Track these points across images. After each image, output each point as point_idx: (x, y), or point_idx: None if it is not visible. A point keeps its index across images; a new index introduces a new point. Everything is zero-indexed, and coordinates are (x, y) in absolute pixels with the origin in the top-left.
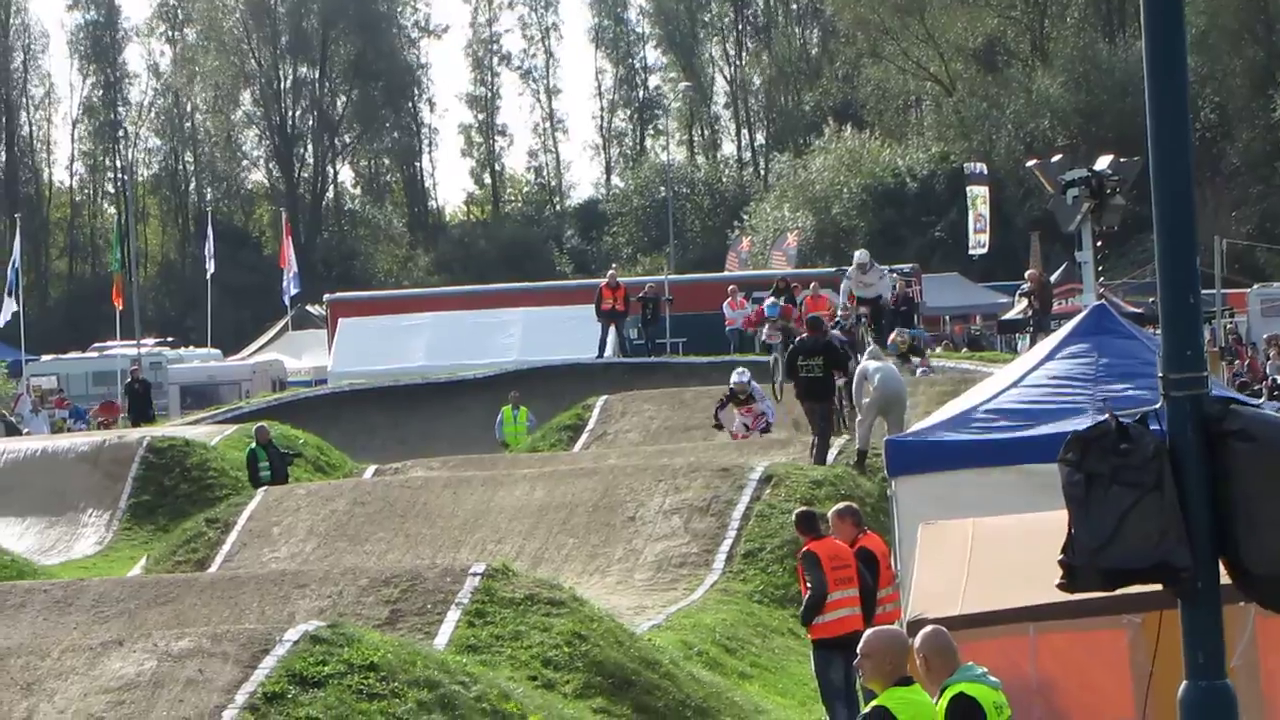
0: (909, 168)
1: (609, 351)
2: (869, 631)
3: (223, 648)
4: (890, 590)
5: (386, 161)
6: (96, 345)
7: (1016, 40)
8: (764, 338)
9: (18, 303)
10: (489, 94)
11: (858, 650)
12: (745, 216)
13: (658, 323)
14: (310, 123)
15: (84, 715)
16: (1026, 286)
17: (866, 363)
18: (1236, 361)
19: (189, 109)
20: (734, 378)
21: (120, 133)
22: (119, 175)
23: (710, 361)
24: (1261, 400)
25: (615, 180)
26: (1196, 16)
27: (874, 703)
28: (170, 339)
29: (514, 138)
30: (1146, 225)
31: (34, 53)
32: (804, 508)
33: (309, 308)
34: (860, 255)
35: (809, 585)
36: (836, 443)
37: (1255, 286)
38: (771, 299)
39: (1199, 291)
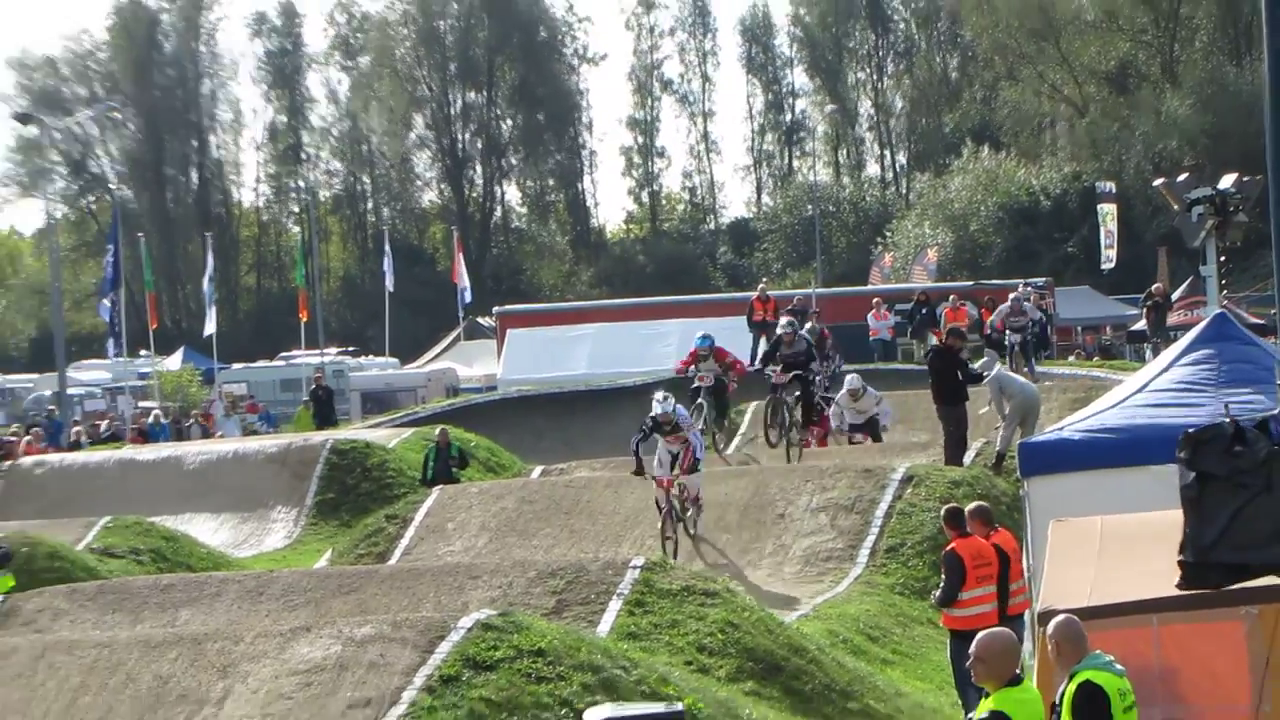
0: (1043, 187)
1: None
2: (980, 635)
3: (402, 634)
4: (1020, 584)
5: (550, 182)
6: (283, 354)
7: (1147, 63)
8: (695, 381)
9: (215, 316)
10: (648, 118)
11: (969, 652)
12: (887, 233)
13: None
14: (479, 146)
15: (275, 695)
16: (1145, 301)
17: (1004, 374)
18: None
19: (365, 133)
20: (656, 407)
21: (302, 155)
22: (302, 196)
23: (856, 369)
24: None
25: (765, 199)
26: None
27: (989, 705)
28: (351, 348)
29: (671, 159)
30: (1268, 242)
31: (222, 80)
32: (952, 505)
33: (479, 319)
34: (851, 381)
35: (945, 581)
36: (974, 445)
37: None
38: (702, 333)
39: None
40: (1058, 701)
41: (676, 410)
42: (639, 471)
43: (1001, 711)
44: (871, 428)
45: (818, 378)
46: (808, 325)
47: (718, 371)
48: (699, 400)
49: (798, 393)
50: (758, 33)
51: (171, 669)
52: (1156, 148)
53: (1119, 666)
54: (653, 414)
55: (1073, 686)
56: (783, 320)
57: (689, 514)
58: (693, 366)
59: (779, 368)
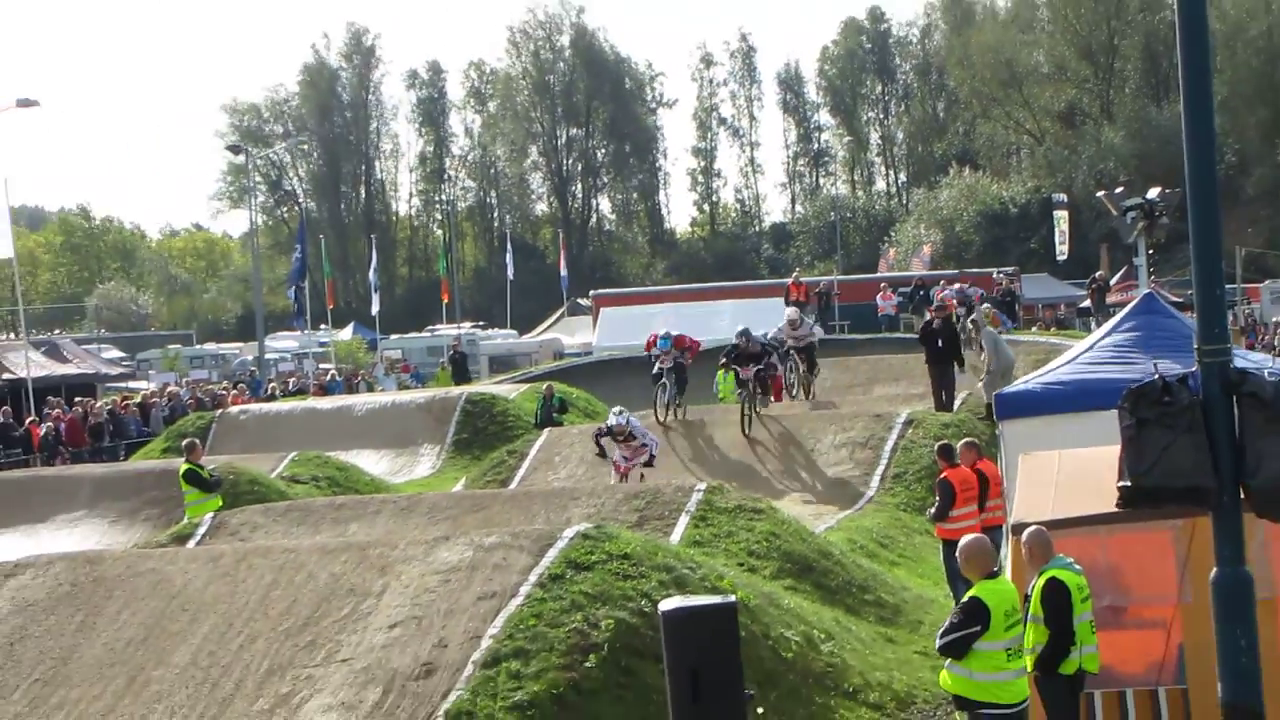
0: (1011, 197)
1: None
2: (963, 540)
3: (520, 542)
4: (998, 502)
5: (634, 195)
6: (429, 327)
7: (1089, 104)
8: (655, 364)
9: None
10: (709, 147)
11: (956, 554)
12: (892, 233)
13: (829, 310)
14: (579, 168)
15: (421, 589)
16: (1090, 284)
17: (998, 337)
18: (1254, 338)
19: (493, 159)
20: (611, 419)
21: (445, 176)
22: (444, 207)
23: (868, 338)
24: (1271, 365)
25: (798, 208)
26: (1220, 86)
27: (969, 593)
28: (481, 323)
29: (725, 178)
30: (1184, 238)
31: (385, 119)
32: (944, 442)
33: (579, 301)
34: (790, 312)
35: (938, 501)
36: (960, 395)
37: (1266, 282)
38: (664, 331)
39: (1224, 285)
40: (1029, 593)
41: (630, 423)
42: (601, 455)
43: (978, 597)
44: (809, 351)
45: (774, 358)
46: (796, 313)
47: (676, 355)
48: (661, 380)
49: (757, 371)
50: (791, 82)
51: (342, 569)
52: (1098, 167)
53: (1077, 566)
54: (608, 424)
55: (1041, 582)
56: (738, 329)
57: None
58: (653, 351)
59: (744, 365)
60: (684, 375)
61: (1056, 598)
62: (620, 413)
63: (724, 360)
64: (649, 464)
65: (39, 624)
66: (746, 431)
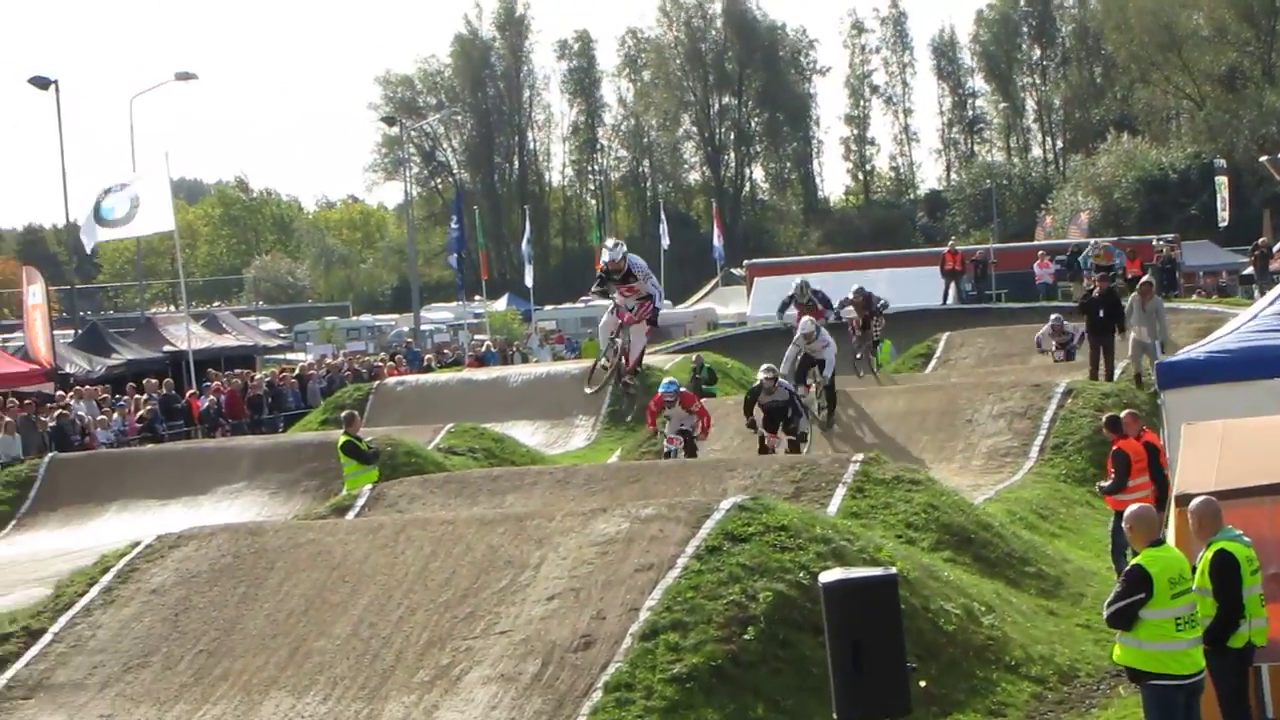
0: (1170, 163)
1: (950, 300)
2: (1129, 508)
3: (676, 514)
4: (1165, 473)
5: (787, 165)
6: (583, 298)
7: (1250, 67)
8: (664, 444)
9: (532, 270)
10: (862, 114)
11: (1123, 524)
12: (1049, 201)
13: (986, 279)
14: (731, 137)
15: (579, 561)
16: (1252, 251)
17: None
18: None
19: (645, 129)
20: (605, 254)
21: (597, 147)
22: (597, 177)
23: (1025, 307)
24: None
25: (953, 176)
26: None
27: (1134, 560)
28: None
29: (879, 145)
30: None
31: (537, 90)
32: (1112, 414)
33: (732, 270)
34: (806, 325)
35: (1114, 473)
36: (1119, 365)
37: None
38: (668, 379)
39: None
40: (1196, 565)
41: (628, 258)
42: (602, 291)
43: (1141, 565)
44: (828, 380)
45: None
46: (813, 325)
47: (685, 424)
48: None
49: (788, 428)
50: (945, 48)
51: (500, 540)
52: (1260, 132)
53: (1246, 538)
54: (602, 260)
55: (1210, 554)
56: (762, 369)
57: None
58: (661, 415)
59: (762, 418)
60: (694, 453)
61: (1225, 570)
62: (616, 245)
63: (749, 420)
64: (653, 321)
65: (202, 595)
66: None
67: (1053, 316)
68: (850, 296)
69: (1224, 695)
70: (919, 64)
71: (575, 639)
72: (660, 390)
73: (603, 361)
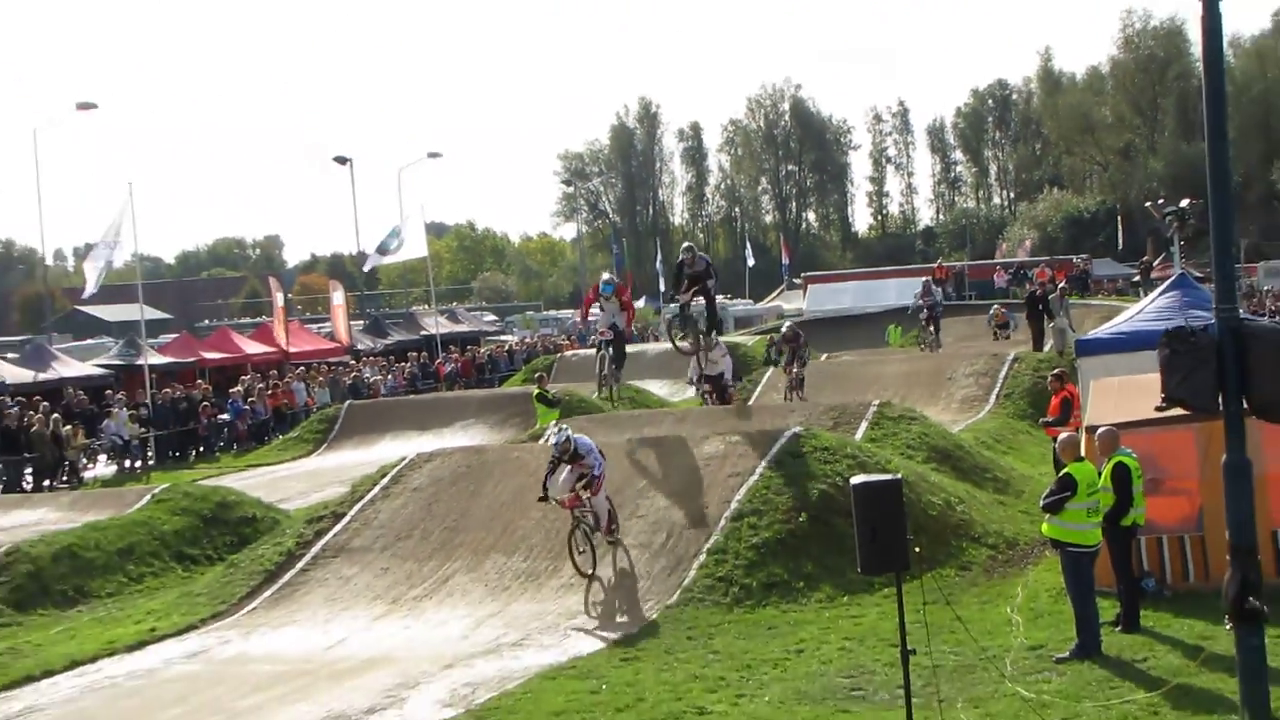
0: (1085, 208)
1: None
2: (1062, 435)
3: (755, 439)
4: (1079, 414)
5: (830, 210)
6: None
7: (1140, 143)
8: (594, 335)
9: (662, 281)
10: (880, 176)
11: (1056, 446)
12: (1004, 233)
13: (962, 285)
14: (794, 192)
15: (691, 469)
16: (1140, 265)
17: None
18: (1253, 301)
19: (737, 186)
20: (551, 438)
21: (704, 198)
22: (704, 219)
23: (988, 303)
24: (1264, 318)
25: (940, 216)
26: (1231, 128)
27: (1063, 471)
28: (729, 294)
29: (892, 197)
30: (1206, 233)
31: (665, 161)
32: (1059, 369)
33: (794, 280)
34: (787, 329)
35: (1060, 412)
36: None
37: (1261, 263)
38: (608, 277)
39: (1234, 266)
40: (1100, 472)
41: (574, 440)
42: (544, 498)
43: (1070, 473)
44: (717, 383)
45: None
46: (793, 329)
47: (615, 316)
48: (600, 352)
49: (703, 303)
50: (936, 131)
51: (640, 456)
52: (1146, 186)
53: (1134, 454)
54: (552, 444)
55: (1111, 465)
56: (683, 246)
57: (600, 533)
58: (595, 307)
59: (684, 285)
60: (623, 348)
61: (1122, 476)
62: (560, 430)
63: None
64: (588, 486)
65: (446, 492)
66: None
67: (993, 306)
68: (784, 331)
69: (1116, 557)
70: (918, 142)
71: (688, 520)
72: (599, 286)
73: (580, 548)
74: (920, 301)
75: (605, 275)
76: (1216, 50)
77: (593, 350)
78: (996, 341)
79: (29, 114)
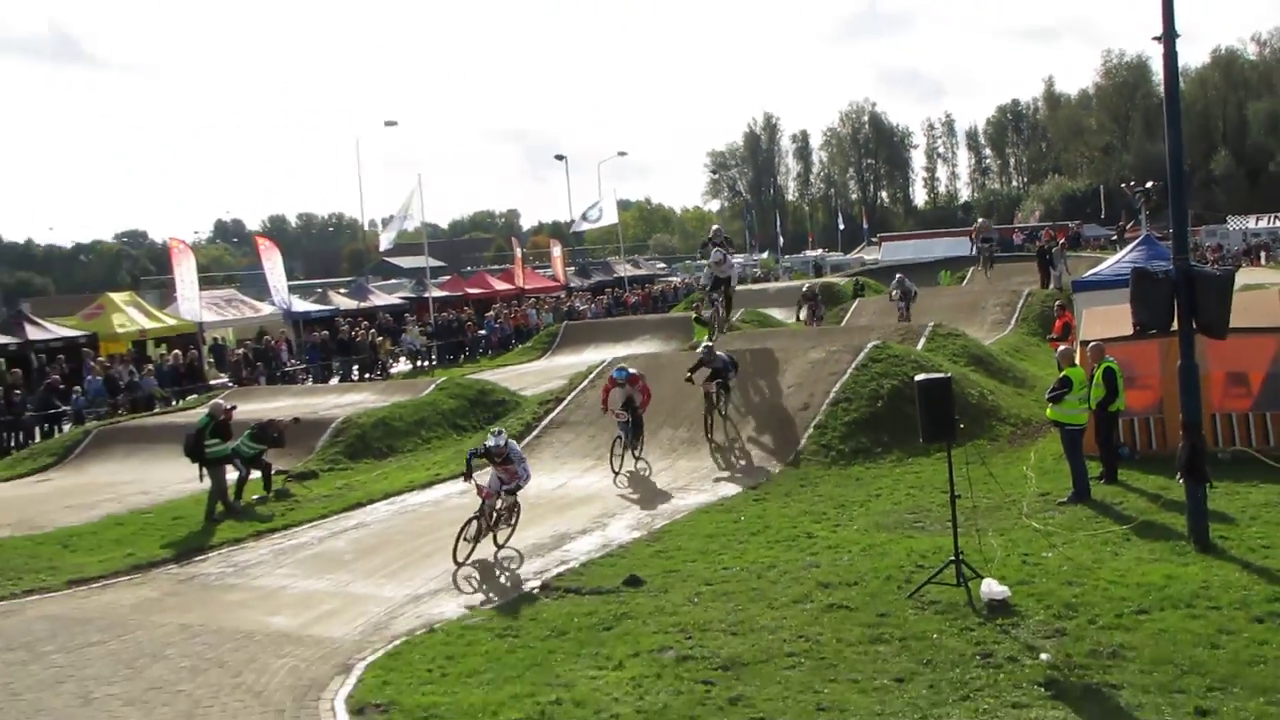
0: (1077, 188)
1: (974, 253)
2: (1061, 348)
3: (847, 349)
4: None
5: (897, 190)
6: (805, 251)
7: (1116, 142)
8: (616, 416)
9: (779, 241)
10: (932, 167)
11: (1056, 355)
12: (1020, 206)
13: (990, 243)
14: (871, 178)
15: (802, 370)
16: (1117, 229)
17: (1064, 256)
18: (1196, 254)
19: (832, 174)
20: (490, 439)
21: (808, 182)
22: (808, 197)
23: (1008, 254)
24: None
25: (974, 194)
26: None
27: (1062, 373)
28: (824, 248)
29: (941, 180)
30: (1166, 206)
31: (782, 156)
32: (1059, 301)
33: (872, 239)
34: (715, 255)
35: (1061, 332)
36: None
37: (1203, 227)
38: (621, 365)
39: (1186, 229)
40: (1092, 375)
41: (509, 445)
42: (467, 477)
43: (1067, 375)
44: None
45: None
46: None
47: (629, 393)
48: (619, 435)
49: (718, 383)
50: (973, 135)
51: (762, 359)
52: (1123, 173)
53: (1115, 361)
54: (486, 444)
55: (1101, 369)
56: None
57: (501, 530)
58: (613, 392)
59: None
60: (640, 426)
61: (1110, 376)
62: (499, 433)
63: (689, 374)
64: (512, 492)
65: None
66: (708, 435)
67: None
68: (804, 290)
69: (1102, 433)
70: (959, 142)
71: (799, 406)
72: (613, 375)
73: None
74: (981, 243)
75: (619, 366)
76: (1173, 76)
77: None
78: (982, 265)
79: (351, 126)
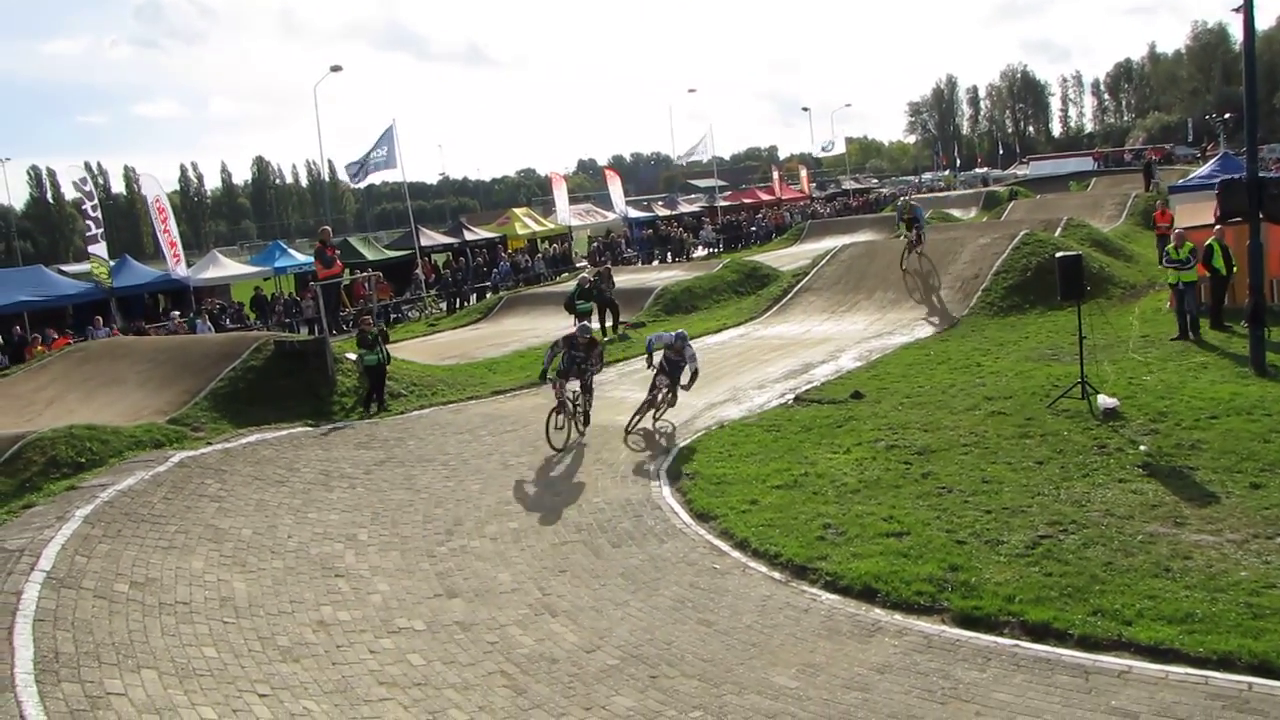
0: (1173, 121)
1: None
2: (1174, 233)
3: (1004, 235)
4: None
5: (1043, 128)
6: (926, 174)
7: (1205, 86)
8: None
9: (958, 159)
10: (1065, 111)
11: (1170, 237)
12: (1129, 136)
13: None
14: (1018, 118)
15: (973, 250)
16: (1201, 149)
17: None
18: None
19: (982, 118)
20: (672, 335)
21: (957, 127)
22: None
23: (1123, 170)
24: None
25: (1096, 127)
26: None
27: (1167, 246)
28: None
29: (1072, 118)
30: (1240, 132)
31: (957, 103)
32: (1159, 200)
33: (1022, 159)
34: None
35: (1161, 222)
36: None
37: (1265, 146)
38: (679, 331)
39: (1257, 148)
40: (1192, 249)
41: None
42: (543, 380)
43: (1193, 247)
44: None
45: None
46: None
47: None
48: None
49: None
50: (1101, 82)
51: (953, 246)
52: (1206, 113)
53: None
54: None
55: (1209, 240)
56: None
57: (579, 406)
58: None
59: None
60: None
61: (1225, 249)
62: (585, 329)
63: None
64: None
65: (857, 263)
66: (629, 428)
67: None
68: (900, 203)
69: (1216, 293)
70: (1085, 90)
71: (974, 274)
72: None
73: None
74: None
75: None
76: (1250, 35)
77: None
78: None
79: (664, 94)
